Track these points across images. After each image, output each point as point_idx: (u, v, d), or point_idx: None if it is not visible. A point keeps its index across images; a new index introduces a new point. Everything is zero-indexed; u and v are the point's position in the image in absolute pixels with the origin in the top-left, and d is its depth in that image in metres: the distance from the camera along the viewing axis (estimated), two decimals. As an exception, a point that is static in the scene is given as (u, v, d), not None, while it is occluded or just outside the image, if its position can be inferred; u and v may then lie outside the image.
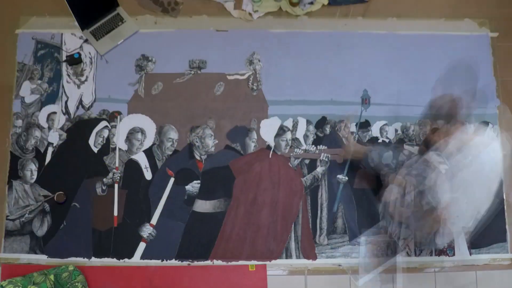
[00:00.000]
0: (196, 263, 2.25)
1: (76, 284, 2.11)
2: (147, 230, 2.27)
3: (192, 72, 2.47)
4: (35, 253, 2.24)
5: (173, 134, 2.38)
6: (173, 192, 2.31)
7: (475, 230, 1.84)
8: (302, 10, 2.48)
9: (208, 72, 2.47)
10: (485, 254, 2.31)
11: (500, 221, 2.34)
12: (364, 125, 2.43)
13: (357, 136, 2.41)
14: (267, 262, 2.26)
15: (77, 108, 2.41)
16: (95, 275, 2.22)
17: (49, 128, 2.38)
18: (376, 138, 2.42)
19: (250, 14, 2.51)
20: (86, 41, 2.47)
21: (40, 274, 2.12)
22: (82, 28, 2.44)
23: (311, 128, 2.41)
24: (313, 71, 2.48)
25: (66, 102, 2.42)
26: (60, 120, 2.39)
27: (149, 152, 2.36)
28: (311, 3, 2.42)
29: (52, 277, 2.08)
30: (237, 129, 2.41)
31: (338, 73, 2.48)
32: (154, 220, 2.28)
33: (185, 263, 2.25)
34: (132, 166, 2.34)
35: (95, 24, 2.46)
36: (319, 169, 2.36)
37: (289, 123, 2.41)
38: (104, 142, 2.36)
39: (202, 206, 2.31)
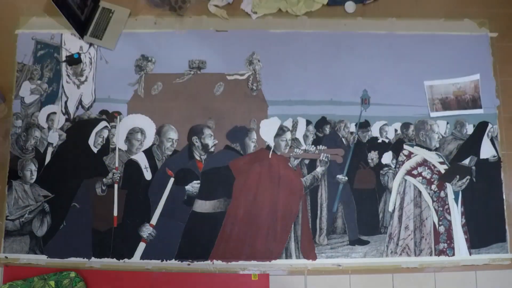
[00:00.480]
0: (196, 263, 2.25)
1: None
2: (147, 230, 2.27)
3: (192, 72, 2.47)
4: (35, 253, 2.24)
5: (173, 134, 2.38)
6: (173, 192, 2.31)
7: None
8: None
9: (207, 72, 2.47)
10: (485, 254, 2.31)
11: (500, 221, 2.35)
12: (364, 125, 2.43)
13: (357, 136, 2.41)
14: (267, 262, 2.26)
15: (77, 108, 2.41)
16: (96, 279, 2.22)
17: (49, 128, 2.38)
18: (376, 138, 2.42)
19: (223, 17, 2.49)
20: (91, 45, 2.47)
21: (40, 278, 2.12)
22: (82, 36, 2.44)
23: (311, 128, 2.41)
24: (313, 71, 2.48)
25: (65, 102, 2.42)
26: (60, 120, 2.39)
27: (148, 152, 2.36)
28: None
29: (53, 283, 2.09)
30: (237, 129, 2.40)
31: (338, 73, 2.48)
32: (154, 220, 2.28)
33: (184, 263, 2.25)
34: (132, 166, 2.34)
35: (90, 27, 2.46)
36: (319, 169, 2.36)
37: (288, 123, 2.41)
38: (104, 142, 2.36)
39: (202, 206, 2.31)
